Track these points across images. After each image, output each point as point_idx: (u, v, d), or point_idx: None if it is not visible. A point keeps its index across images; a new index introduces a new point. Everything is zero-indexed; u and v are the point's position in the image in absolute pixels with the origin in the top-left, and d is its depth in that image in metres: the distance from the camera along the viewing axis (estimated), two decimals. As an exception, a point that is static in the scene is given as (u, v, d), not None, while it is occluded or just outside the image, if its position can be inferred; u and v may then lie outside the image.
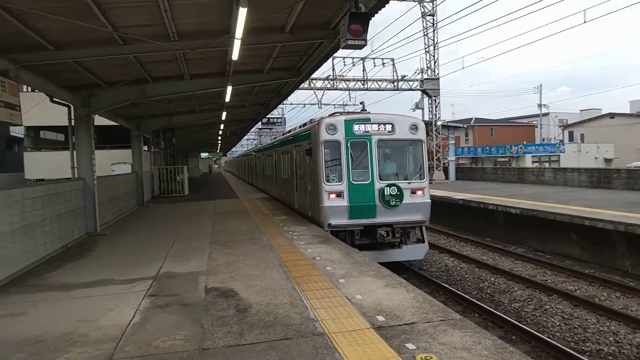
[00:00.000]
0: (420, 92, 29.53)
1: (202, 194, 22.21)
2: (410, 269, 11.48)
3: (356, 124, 10.54)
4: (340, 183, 10.44)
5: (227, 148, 67.76)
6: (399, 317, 4.75)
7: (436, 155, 28.14)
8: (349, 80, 27.39)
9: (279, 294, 5.64)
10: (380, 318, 4.75)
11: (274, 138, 23.53)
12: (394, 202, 10.36)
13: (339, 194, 10.40)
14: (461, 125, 40.51)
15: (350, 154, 10.44)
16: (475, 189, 21.57)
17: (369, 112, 11.21)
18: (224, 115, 19.44)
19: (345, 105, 37.41)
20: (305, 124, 13.45)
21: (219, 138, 37.61)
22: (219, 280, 6.37)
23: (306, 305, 5.23)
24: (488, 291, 9.89)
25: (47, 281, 6.82)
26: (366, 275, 6.35)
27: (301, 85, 25.41)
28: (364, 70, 27.04)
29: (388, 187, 10.37)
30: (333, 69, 27.06)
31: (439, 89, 28.17)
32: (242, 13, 6.42)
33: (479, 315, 8.43)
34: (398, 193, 10.40)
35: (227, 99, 14.13)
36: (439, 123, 28.28)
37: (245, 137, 60.98)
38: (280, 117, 51.79)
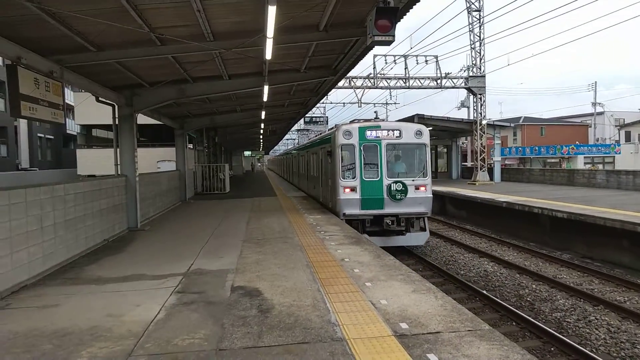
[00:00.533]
0: (465, 90, 28.65)
1: (242, 192, 22.56)
2: (447, 273, 11.14)
3: (368, 130, 12.54)
4: (354, 179, 12.46)
5: (269, 147, 68.73)
6: (424, 326, 4.56)
7: (480, 155, 27.23)
8: (390, 78, 26.97)
9: (302, 296, 5.57)
10: (404, 325, 4.57)
11: (309, 139, 26.12)
12: (399, 196, 12.30)
13: (353, 189, 12.43)
14: (508, 124, 39.02)
15: (363, 155, 12.45)
16: (521, 191, 20.71)
17: (381, 120, 13.57)
18: (263, 115, 19.61)
19: (387, 104, 37.05)
20: (332, 128, 15.50)
21: (261, 137, 38.09)
22: (245, 279, 6.37)
23: (329, 308, 5.12)
24: (528, 299, 9.43)
25: (83, 274, 7.05)
26: (394, 280, 6.16)
27: (341, 84, 25.42)
28: (405, 68, 26.54)
29: (394, 183, 12.30)
30: (374, 67, 26.75)
31: (484, 87, 27.24)
32: (272, 11, 6.37)
33: (517, 324, 8.04)
34: (403, 188, 12.30)
35: (265, 98, 14.22)
36: (484, 122, 27.35)
37: (287, 136, 61.47)
38: (322, 117, 51.80)
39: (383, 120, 13.88)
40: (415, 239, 12.66)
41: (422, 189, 12.46)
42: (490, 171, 28.14)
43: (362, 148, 12.46)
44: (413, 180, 12.44)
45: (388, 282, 6.05)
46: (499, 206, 16.95)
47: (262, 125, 26.50)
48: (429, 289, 5.75)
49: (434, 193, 21.86)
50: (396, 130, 12.56)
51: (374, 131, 12.55)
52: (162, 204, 15.05)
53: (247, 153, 60.18)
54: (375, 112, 16.92)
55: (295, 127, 55.08)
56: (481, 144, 27.21)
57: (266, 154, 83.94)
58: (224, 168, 23.48)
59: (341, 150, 12.55)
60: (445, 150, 33.05)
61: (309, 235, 9.63)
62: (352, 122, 13.61)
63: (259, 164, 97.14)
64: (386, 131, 12.55)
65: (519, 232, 16.09)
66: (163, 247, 9.17)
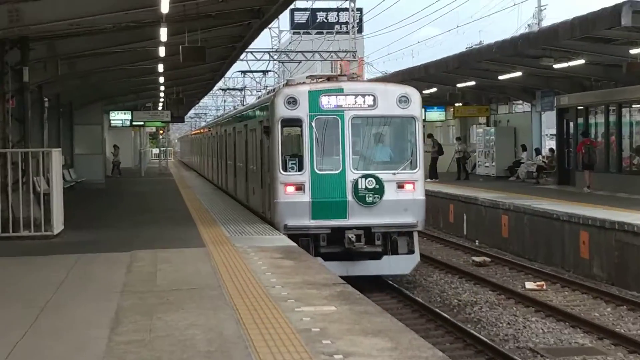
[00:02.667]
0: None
1: (102, 232, 20.88)
2: None
3: (324, 95, 16.37)
4: (300, 173, 16.35)
5: (186, 105, 67.39)
6: None
7: None
8: None
9: None
10: None
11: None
12: (370, 199, 16.00)
13: (299, 187, 16.17)
14: None
15: (316, 135, 16.16)
16: None
17: (345, 79, 17.85)
18: (165, 4, 17.43)
19: None
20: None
21: (161, 73, 36.57)
22: None
23: None
24: None
25: None
26: None
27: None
28: None
29: (363, 179, 16.05)
30: None
31: None
32: None
33: None
34: (377, 186, 16.00)
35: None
36: None
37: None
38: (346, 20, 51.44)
39: (354, 77, 18.11)
40: (396, 265, 16.78)
41: (409, 187, 16.37)
42: None
43: (313, 123, 16.31)
44: (394, 173, 16.45)
45: None
46: None
47: (164, 36, 23.44)
48: None
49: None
50: (368, 95, 16.59)
51: (334, 96, 16.47)
52: None
53: (118, 119, 54.98)
54: (340, 64, 22.33)
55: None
56: None
57: (178, 120, 77.84)
58: (48, 161, 21.03)
59: (281, 127, 16.80)
60: None
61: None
62: (309, 77, 18.84)
63: (157, 150, 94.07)
64: (352, 97, 16.51)
65: None
66: None
